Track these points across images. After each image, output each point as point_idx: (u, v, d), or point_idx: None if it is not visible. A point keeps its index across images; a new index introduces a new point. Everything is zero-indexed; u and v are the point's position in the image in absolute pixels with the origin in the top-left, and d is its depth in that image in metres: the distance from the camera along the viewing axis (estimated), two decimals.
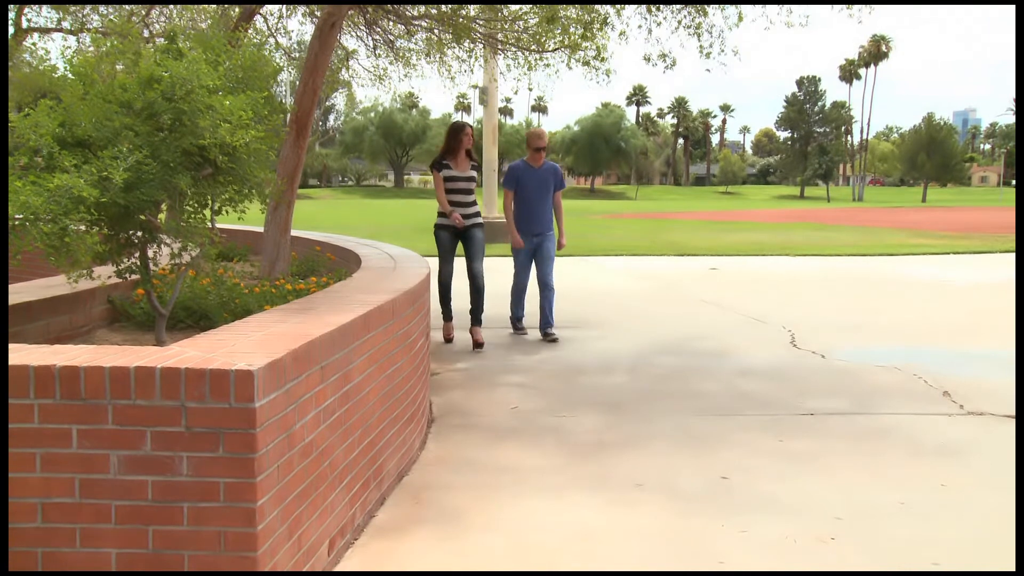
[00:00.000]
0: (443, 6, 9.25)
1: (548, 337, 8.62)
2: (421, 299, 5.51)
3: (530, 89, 11.95)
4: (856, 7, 8.12)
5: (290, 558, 3.18)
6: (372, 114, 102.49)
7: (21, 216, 3.47)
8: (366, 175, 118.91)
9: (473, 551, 3.78)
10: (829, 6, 8.46)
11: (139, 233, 4.12)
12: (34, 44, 13.13)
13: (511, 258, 9.09)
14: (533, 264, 8.90)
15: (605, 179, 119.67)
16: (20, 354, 2.97)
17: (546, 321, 8.69)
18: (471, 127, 8.51)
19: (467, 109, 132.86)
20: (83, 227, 3.89)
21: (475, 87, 23.51)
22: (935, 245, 22.56)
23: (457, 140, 8.35)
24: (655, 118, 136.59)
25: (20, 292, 4.63)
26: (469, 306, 8.36)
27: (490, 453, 5.18)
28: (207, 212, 4.48)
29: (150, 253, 4.37)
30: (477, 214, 8.44)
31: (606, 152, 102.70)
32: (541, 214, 8.74)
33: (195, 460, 2.88)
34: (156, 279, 4.90)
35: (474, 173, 8.50)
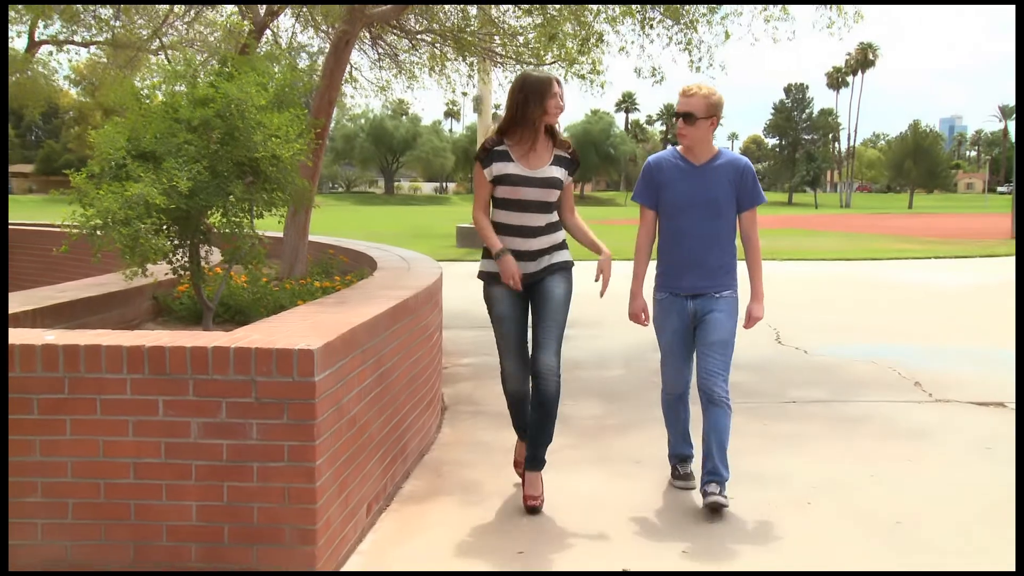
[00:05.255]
0: (446, 23, 9.77)
1: (708, 498, 4.30)
2: (436, 296, 6.03)
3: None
4: (836, 26, 8.70)
5: (339, 514, 3.68)
6: (362, 121, 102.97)
7: (100, 221, 3.98)
8: (356, 181, 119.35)
9: (492, 515, 4.30)
10: (811, 23, 9.03)
11: (196, 235, 4.63)
12: (50, 54, 13.65)
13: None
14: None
15: (594, 185, 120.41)
16: (111, 337, 3.48)
17: (711, 468, 4.37)
18: (558, 83, 4.46)
19: (456, 116, 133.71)
20: (142, 228, 4.39)
21: (464, 94, 24.02)
22: (919, 250, 23.19)
23: (525, 107, 4.38)
24: (644, 125, 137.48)
25: (81, 289, 5.14)
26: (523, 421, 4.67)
27: (500, 436, 5.68)
28: (246, 218, 4.98)
29: (201, 253, 4.88)
30: (559, 248, 4.56)
31: (595, 158, 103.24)
32: (703, 254, 4.50)
33: (263, 426, 3.38)
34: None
35: (559, 174, 4.47)
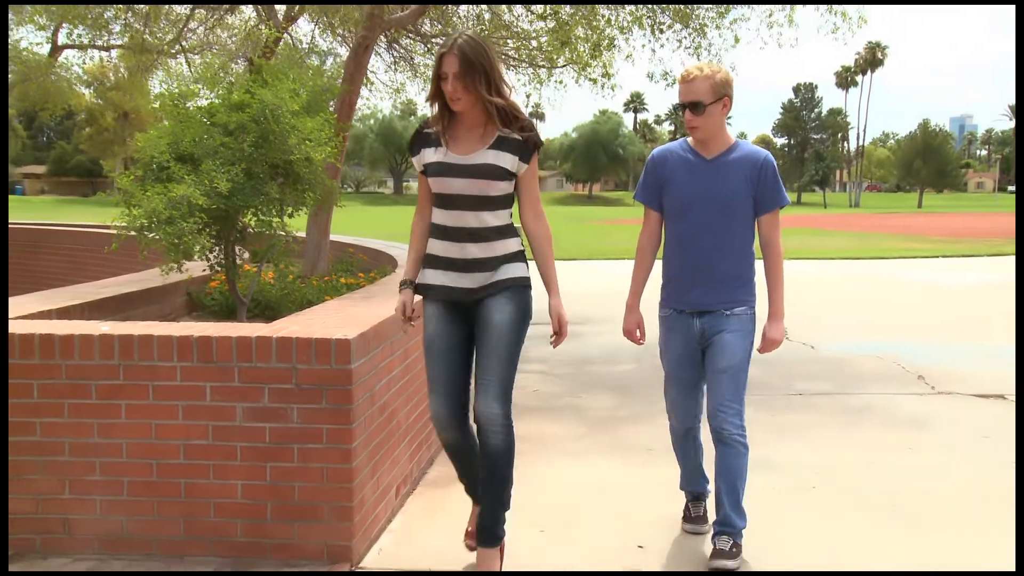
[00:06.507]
0: (460, 27, 10.02)
1: (714, 561, 3.73)
2: None
3: (528, 96, 12.60)
4: (841, 31, 8.94)
5: (372, 493, 3.94)
6: (371, 121, 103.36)
7: (146, 220, 4.25)
8: (365, 182, 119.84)
9: (514, 499, 4.53)
10: (815, 28, 9.27)
11: (233, 233, 4.91)
12: (83, 63, 14.03)
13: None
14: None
15: (603, 185, 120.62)
16: (162, 328, 3.75)
17: (722, 519, 3.84)
18: (460, 60, 3.27)
19: None
20: (185, 227, 4.66)
21: None
22: (927, 249, 23.38)
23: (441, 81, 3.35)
24: (652, 125, 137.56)
25: (121, 285, 5.42)
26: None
27: (519, 426, 5.81)
28: (278, 217, 5.25)
29: (236, 251, 5.15)
30: (509, 260, 3.52)
31: (604, 159, 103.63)
32: (713, 262, 3.85)
33: (303, 410, 3.64)
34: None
35: (500, 160, 3.41)
